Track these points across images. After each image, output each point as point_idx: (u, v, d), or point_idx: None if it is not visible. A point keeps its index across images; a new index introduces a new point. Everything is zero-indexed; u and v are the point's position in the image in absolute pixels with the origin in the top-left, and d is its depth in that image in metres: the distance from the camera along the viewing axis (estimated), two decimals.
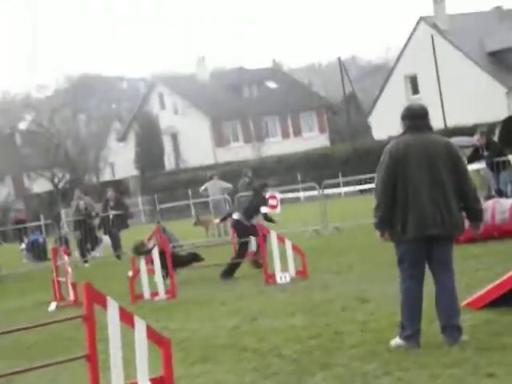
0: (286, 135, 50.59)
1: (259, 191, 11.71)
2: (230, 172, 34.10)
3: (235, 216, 11.46)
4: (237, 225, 11.43)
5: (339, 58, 44.00)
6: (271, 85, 52.19)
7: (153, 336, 4.92)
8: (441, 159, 5.49)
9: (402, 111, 5.71)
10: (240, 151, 46.44)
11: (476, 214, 5.63)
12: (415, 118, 5.61)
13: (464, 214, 5.63)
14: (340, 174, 30.58)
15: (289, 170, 37.79)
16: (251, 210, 11.38)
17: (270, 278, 9.98)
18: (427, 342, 5.64)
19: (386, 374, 4.99)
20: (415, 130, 5.59)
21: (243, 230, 11.21)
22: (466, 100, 39.26)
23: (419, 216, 5.45)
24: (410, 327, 5.52)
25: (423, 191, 5.46)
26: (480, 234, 10.57)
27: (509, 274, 6.28)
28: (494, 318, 6.05)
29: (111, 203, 17.87)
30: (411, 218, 5.47)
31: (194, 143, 48.10)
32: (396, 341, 5.60)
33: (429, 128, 5.64)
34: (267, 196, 12.22)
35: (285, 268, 10.03)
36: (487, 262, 9.15)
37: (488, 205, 11.49)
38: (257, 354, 6.06)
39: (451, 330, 5.49)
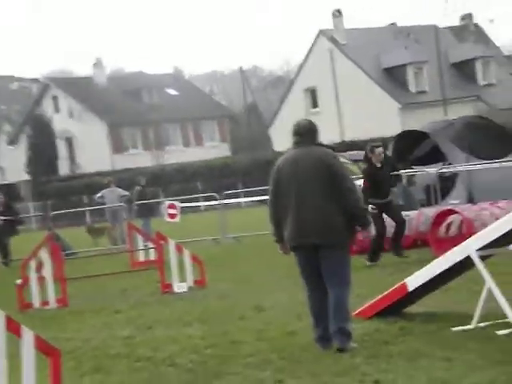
0: (186, 143, 50.41)
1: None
2: (127, 179, 33.54)
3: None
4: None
5: (241, 68, 44.50)
6: (172, 91, 51.86)
7: (41, 346, 4.76)
8: (312, 171, 5.73)
9: None
10: (139, 158, 45.87)
11: (357, 220, 5.75)
12: (297, 134, 5.92)
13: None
14: (240, 185, 30.74)
15: (189, 179, 37.71)
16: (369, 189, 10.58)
17: (167, 287, 9.89)
18: (319, 351, 5.76)
19: (279, 382, 5.06)
20: (297, 145, 5.91)
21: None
22: (362, 115, 40.53)
23: (291, 226, 5.78)
24: (315, 330, 5.85)
25: (294, 202, 5.76)
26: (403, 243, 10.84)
27: (396, 285, 6.51)
28: (382, 327, 6.25)
29: (0, 208, 17.19)
30: (287, 228, 5.83)
31: (90, 149, 47.00)
32: None
33: (312, 143, 5.86)
34: (166, 205, 11.78)
35: (183, 277, 9.98)
36: (379, 273, 9.46)
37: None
38: (151, 363, 5.98)
39: (340, 334, 5.69)
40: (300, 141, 5.86)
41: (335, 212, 5.68)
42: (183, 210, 18.21)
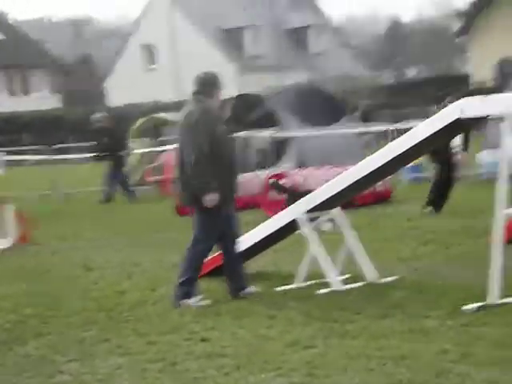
0: (12, 93, 47.44)
1: None
2: None
3: None
4: None
5: (73, 17, 42.49)
6: None
7: None
8: (184, 130, 5.85)
9: None
10: None
11: (193, 187, 5.70)
12: (194, 85, 5.92)
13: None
14: (72, 139, 29.56)
15: (16, 131, 35.67)
16: None
17: None
18: (148, 310, 5.75)
19: (104, 342, 4.99)
20: (192, 96, 5.93)
21: None
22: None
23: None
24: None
25: (176, 158, 5.94)
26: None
27: None
28: (212, 286, 6.35)
29: None
30: None
31: None
32: None
33: (201, 96, 5.83)
34: None
35: (4, 234, 9.48)
36: None
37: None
38: None
39: (175, 291, 5.78)
40: (193, 92, 5.91)
41: (189, 174, 5.72)
42: (8, 163, 17.27)
